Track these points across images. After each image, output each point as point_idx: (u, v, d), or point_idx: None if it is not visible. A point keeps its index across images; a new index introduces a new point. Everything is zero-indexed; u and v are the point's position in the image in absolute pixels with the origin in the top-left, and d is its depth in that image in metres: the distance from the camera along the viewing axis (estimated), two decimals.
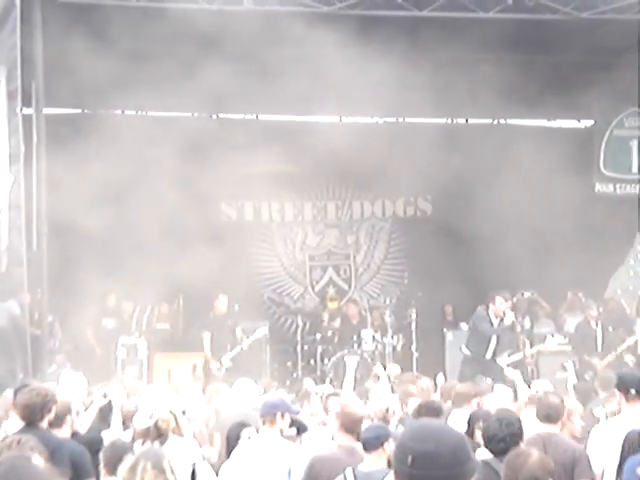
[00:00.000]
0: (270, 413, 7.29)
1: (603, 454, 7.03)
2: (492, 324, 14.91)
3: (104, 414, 8.40)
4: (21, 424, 6.72)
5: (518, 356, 15.19)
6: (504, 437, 6.14)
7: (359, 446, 6.53)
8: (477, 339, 15.00)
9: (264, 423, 7.28)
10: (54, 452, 6.01)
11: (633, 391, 7.28)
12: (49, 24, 12.77)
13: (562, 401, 7.32)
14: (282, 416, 7.30)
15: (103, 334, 16.85)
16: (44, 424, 6.76)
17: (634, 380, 7.43)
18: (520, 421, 6.43)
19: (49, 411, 6.80)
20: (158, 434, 7.00)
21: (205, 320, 16.36)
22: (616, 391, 7.43)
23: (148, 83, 15.39)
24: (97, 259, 16.52)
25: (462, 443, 3.22)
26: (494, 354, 14.95)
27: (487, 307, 15.07)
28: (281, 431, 7.29)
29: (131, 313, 17.21)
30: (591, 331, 16.15)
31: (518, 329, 15.47)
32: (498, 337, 14.94)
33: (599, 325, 16.13)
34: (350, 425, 6.83)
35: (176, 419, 7.27)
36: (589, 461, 6.76)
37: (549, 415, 6.99)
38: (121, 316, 17.20)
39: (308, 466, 6.73)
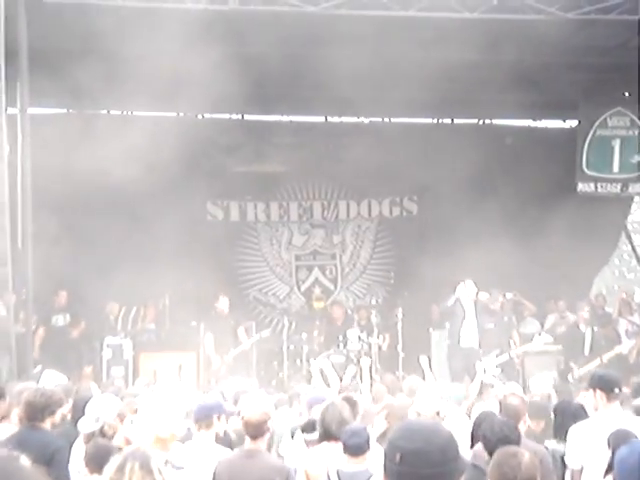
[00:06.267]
0: (207, 416, 7.10)
1: (582, 452, 7.08)
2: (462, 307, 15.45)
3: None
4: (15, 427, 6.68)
5: (505, 357, 15.31)
6: (516, 441, 6.10)
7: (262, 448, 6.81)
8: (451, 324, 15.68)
9: (199, 428, 7.08)
10: (54, 454, 5.94)
11: (617, 390, 7.34)
12: (34, 24, 12.73)
13: (522, 401, 7.32)
14: (218, 418, 7.14)
15: (53, 332, 16.61)
16: (46, 425, 6.71)
17: (617, 380, 7.51)
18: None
19: (51, 414, 6.73)
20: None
21: (208, 321, 16.36)
22: (598, 390, 7.45)
23: (134, 83, 15.36)
24: (82, 259, 16.51)
25: (451, 441, 3.24)
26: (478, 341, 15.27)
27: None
28: (217, 435, 7.16)
29: (117, 314, 17.17)
30: (580, 334, 16.20)
31: (492, 307, 15.81)
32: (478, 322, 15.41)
33: (588, 329, 16.17)
34: (253, 431, 6.86)
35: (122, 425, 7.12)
36: (549, 464, 6.79)
37: (509, 417, 6.96)
38: (70, 312, 16.95)
39: (214, 471, 6.73)
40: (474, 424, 6.61)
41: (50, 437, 6.55)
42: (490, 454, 5.95)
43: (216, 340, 16.06)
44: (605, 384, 7.40)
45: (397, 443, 3.20)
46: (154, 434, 6.22)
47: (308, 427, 7.61)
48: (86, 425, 7.03)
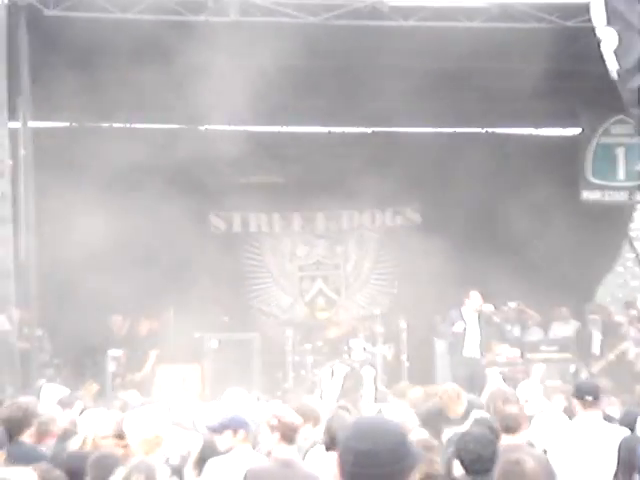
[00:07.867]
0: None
1: (561, 460, 7.06)
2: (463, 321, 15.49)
3: None
4: None
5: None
6: (490, 457, 6.01)
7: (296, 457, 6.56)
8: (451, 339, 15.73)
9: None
10: None
11: (590, 398, 7.32)
12: (35, 37, 12.75)
13: (522, 409, 7.27)
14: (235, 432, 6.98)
15: None
16: (25, 438, 6.71)
17: (591, 387, 7.53)
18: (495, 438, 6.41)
19: (29, 425, 6.73)
20: None
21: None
22: (573, 398, 7.48)
23: (135, 95, 15.38)
24: (87, 272, 16.48)
25: (401, 439, 3.19)
26: (481, 351, 15.38)
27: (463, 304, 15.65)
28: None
29: (120, 326, 17.13)
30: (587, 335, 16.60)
31: (496, 320, 15.88)
32: (481, 332, 15.48)
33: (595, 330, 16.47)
34: (290, 434, 6.64)
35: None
36: (552, 470, 6.78)
37: (508, 426, 6.87)
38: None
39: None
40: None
41: (31, 450, 6.55)
42: (466, 471, 5.88)
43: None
44: (577, 392, 7.47)
45: (349, 444, 3.16)
46: (140, 437, 6.23)
47: None
48: (75, 444, 6.79)
